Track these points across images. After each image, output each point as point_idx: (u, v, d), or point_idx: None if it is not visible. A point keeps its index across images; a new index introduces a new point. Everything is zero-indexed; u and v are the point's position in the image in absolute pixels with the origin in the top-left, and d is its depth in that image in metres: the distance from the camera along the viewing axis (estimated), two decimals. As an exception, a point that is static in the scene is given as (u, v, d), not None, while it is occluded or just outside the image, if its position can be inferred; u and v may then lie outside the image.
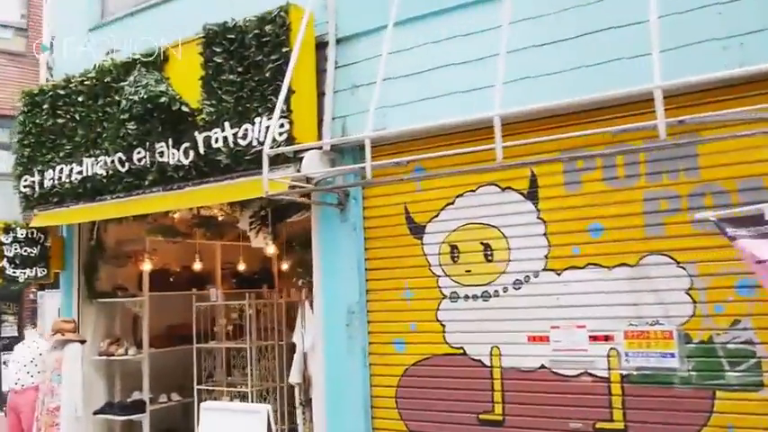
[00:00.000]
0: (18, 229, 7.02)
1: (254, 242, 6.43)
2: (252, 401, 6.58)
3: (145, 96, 5.61)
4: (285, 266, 8.91)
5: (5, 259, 6.90)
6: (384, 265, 5.35)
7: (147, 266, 7.25)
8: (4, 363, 14.77)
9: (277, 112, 4.90)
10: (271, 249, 6.63)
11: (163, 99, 5.65)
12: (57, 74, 7.49)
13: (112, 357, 7.21)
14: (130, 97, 5.68)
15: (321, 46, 5.62)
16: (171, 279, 7.92)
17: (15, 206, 15.71)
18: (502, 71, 4.00)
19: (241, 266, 8.62)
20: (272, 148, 4.84)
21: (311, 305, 5.83)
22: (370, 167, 4.31)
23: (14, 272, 6.95)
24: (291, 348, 6.54)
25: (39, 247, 7.15)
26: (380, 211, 5.40)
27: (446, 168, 4.83)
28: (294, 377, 6.02)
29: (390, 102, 5.21)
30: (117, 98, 6.31)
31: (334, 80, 5.53)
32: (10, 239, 6.95)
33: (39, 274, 7.13)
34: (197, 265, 8.08)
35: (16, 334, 15.64)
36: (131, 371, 7.60)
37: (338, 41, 5.61)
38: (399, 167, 4.92)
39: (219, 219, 7.20)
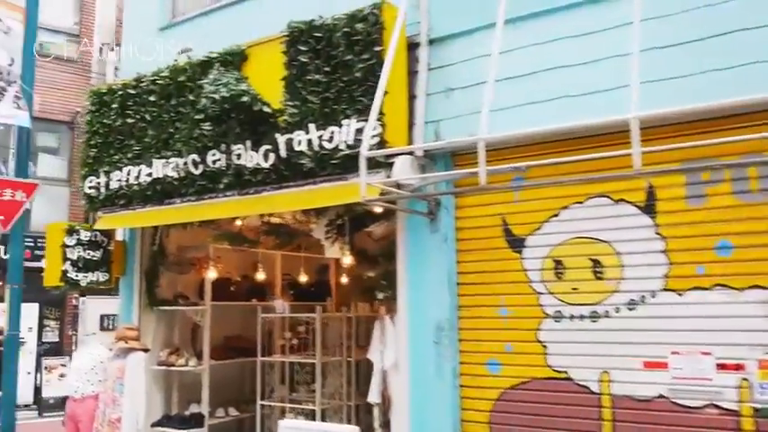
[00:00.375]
0: (82, 231, 6.80)
1: (329, 252, 6.13)
2: (319, 420, 6.24)
3: (226, 95, 5.36)
4: (345, 279, 8.67)
5: (68, 262, 6.67)
6: (478, 279, 4.99)
7: (211, 274, 6.97)
8: (46, 368, 14.73)
9: (374, 114, 4.59)
10: (347, 260, 6.31)
11: (244, 98, 5.39)
12: (125, 74, 7.29)
13: (172, 368, 6.92)
14: (211, 95, 5.42)
15: (411, 47, 5.32)
16: (232, 288, 7.61)
17: (63, 210, 15.67)
18: (636, 70, 3.65)
19: (303, 278, 8.31)
20: (370, 150, 4.53)
21: (391, 320, 5.50)
22: (485, 173, 3.96)
23: (77, 275, 6.71)
24: (364, 366, 6.22)
25: (101, 250, 6.92)
26: (474, 222, 5.06)
27: (549, 178, 4.49)
28: (373, 396, 5.66)
29: (491, 105, 4.88)
30: (191, 98, 6.10)
31: (426, 83, 5.23)
32: (73, 242, 6.73)
33: (100, 279, 6.89)
34: (260, 275, 7.79)
35: (58, 339, 15.55)
36: (188, 382, 7.31)
37: (430, 42, 5.31)
38: (498, 175, 4.59)
39: (291, 227, 6.90)
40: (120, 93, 6.75)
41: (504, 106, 4.79)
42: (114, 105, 6.76)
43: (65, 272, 6.66)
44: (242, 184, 5.72)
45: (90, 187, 6.87)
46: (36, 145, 15.93)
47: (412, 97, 5.27)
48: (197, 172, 5.97)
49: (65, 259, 6.67)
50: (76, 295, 15.61)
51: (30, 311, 15.02)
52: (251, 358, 7.51)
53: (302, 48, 5.44)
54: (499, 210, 4.94)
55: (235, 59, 5.88)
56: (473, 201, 5.05)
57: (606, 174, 4.20)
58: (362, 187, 4.41)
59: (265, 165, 5.53)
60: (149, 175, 6.34)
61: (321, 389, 6.39)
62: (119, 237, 7.21)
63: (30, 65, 6.77)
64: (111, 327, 16.76)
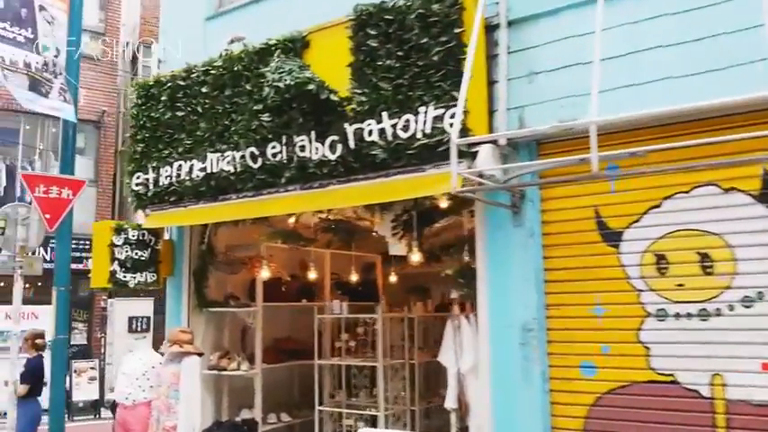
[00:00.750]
0: (130, 230, 6.51)
1: (393, 249, 5.81)
2: (383, 426, 5.92)
3: (291, 83, 5.04)
4: (393, 278, 8.35)
5: (116, 262, 6.38)
6: (568, 276, 4.65)
7: (265, 274, 6.65)
8: (75, 371, 14.45)
9: (462, 99, 4.27)
10: (416, 257, 5.98)
11: (310, 86, 5.07)
12: (169, 66, 6.99)
13: (224, 372, 6.61)
14: (274, 84, 5.11)
15: (488, 29, 4.99)
16: (283, 288, 7.29)
17: (90, 211, 15.38)
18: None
19: (353, 277, 7.99)
20: (461, 137, 4.20)
21: (468, 320, 5.18)
22: (597, 158, 3.63)
23: (125, 276, 6.43)
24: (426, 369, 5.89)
25: (149, 250, 6.63)
26: (563, 214, 4.72)
27: (650, 166, 4.15)
28: (450, 402, 5.32)
29: (578, 90, 4.55)
30: (248, 87, 5.80)
31: (507, 67, 4.89)
32: (121, 241, 6.44)
33: (149, 280, 6.60)
34: (312, 275, 7.48)
35: (86, 342, 15.30)
36: (238, 387, 7.02)
37: (509, 24, 4.97)
38: (583, 165, 4.24)
39: (351, 223, 6.58)
40: (168, 85, 6.46)
41: (600, 89, 4.45)
42: (163, 98, 6.47)
43: (113, 272, 6.38)
44: (305, 177, 5.40)
45: (137, 184, 6.58)
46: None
47: (491, 83, 4.94)
48: (256, 166, 5.66)
49: (113, 259, 6.39)
50: (105, 297, 15.38)
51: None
52: (304, 361, 7.22)
53: (371, 32, 5.12)
54: (591, 201, 4.60)
55: (296, 46, 5.58)
56: (561, 192, 4.71)
57: (724, 160, 3.86)
58: (454, 177, 4.10)
59: (332, 157, 5.22)
60: (203, 169, 6.04)
61: (384, 393, 6.04)
62: (166, 236, 6.91)
63: (74, 57, 6.48)
64: (139, 329, 16.51)
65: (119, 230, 6.46)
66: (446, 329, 5.47)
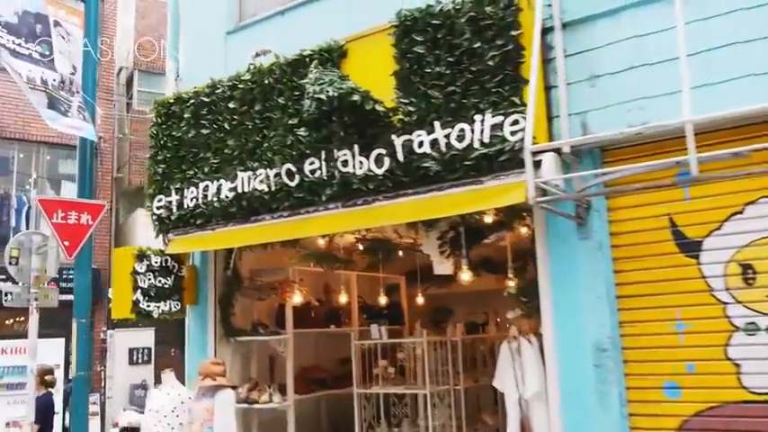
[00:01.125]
0: (152, 256, 6.12)
1: (439, 268, 5.47)
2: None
3: (334, 94, 4.72)
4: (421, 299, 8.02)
5: (139, 291, 5.98)
6: (643, 290, 4.34)
7: (297, 299, 6.28)
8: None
9: (531, 104, 3.99)
10: (466, 276, 5.64)
11: (354, 97, 4.75)
12: (189, 83, 6.67)
13: (255, 405, 6.20)
14: (316, 96, 4.79)
15: (541, 32, 4.72)
16: (312, 314, 6.92)
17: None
18: None
19: (382, 299, 7.63)
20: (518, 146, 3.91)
21: (529, 341, 4.85)
22: (696, 161, 3.35)
23: (148, 305, 6.02)
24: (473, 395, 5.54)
25: (173, 277, 6.24)
26: (633, 225, 4.42)
27: (728, 171, 3.87)
28: (512, 430, 4.96)
29: (646, 92, 4.30)
30: (281, 101, 5.49)
31: (565, 70, 4.63)
32: (144, 268, 6.05)
33: (173, 309, 6.20)
34: (342, 298, 7.11)
35: (85, 377, 14.69)
36: (266, 420, 6.62)
37: (564, 26, 4.72)
38: (656, 172, 3.97)
39: (391, 242, 6.24)
40: (192, 102, 6.13)
41: (670, 91, 4.20)
42: (186, 115, 6.14)
43: (136, 302, 5.98)
44: (348, 194, 5.08)
45: (159, 207, 6.21)
46: (58, 172, 15.29)
47: (546, 88, 4.67)
48: (293, 183, 5.33)
49: (135, 288, 5.99)
50: (104, 328, 14.84)
51: (55, 347, 14.24)
52: (338, 390, 6.84)
53: (418, 38, 4.86)
54: (664, 210, 4.32)
55: (332, 56, 5.30)
56: (629, 201, 4.42)
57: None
58: (530, 187, 3.79)
59: (379, 171, 4.91)
60: (232, 189, 5.70)
61: (432, 422, 5.67)
62: (193, 261, 6.54)
63: (92, 73, 6.14)
64: (139, 361, 15.98)
65: (141, 257, 6.07)
66: (501, 352, 5.13)
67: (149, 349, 15.68)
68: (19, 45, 5.65)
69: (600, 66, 4.54)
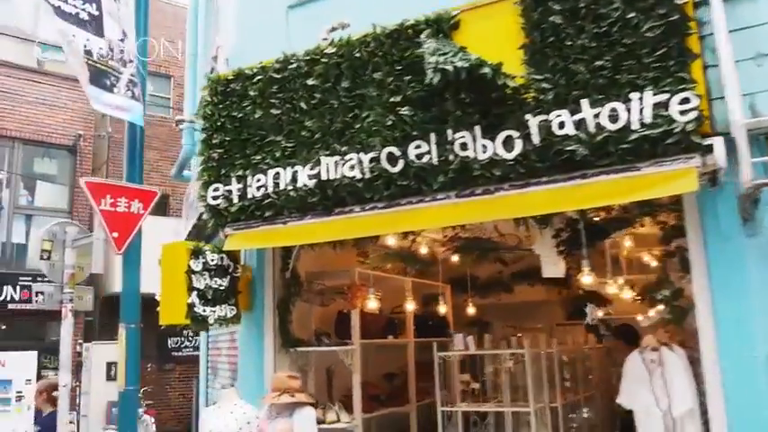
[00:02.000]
0: (208, 252, 5.32)
1: (549, 271, 4.86)
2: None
3: (464, 65, 4.09)
4: (472, 310, 7.42)
5: (195, 292, 5.17)
6: (827, 295, 3.84)
7: (372, 305, 5.57)
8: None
9: (731, 78, 3.45)
10: (588, 279, 5.03)
11: (485, 70, 4.14)
12: (243, 61, 5.92)
13: (322, 426, 5.44)
14: (441, 67, 4.15)
15: (695, 6, 4.22)
16: (382, 323, 6.21)
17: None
18: None
19: (442, 308, 6.97)
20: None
21: (676, 352, 4.28)
22: None
23: (204, 309, 5.21)
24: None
25: (228, 278, 5.45)
26: (811, 220, 3.93)
27: None
28: (657, 453, 4.37)
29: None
30: (377, 77, 4.82)
31: (728, 47, 4.11)
32: (199, 266, 5.24)
33: (228, 314, 5.39)
34: (409, 306, 6.42)
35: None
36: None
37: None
38: None
39: (490, 240, 5.60)
40: (259, 78, 5.39)
41: None
42: (251, 93, 5.39)
43: (191, 305, 5.15)
44: (466, 182, 4.44)
45: (215, 197, 5.42)
46: (34, 171, 14.12)
47: (705, 66, 4.15)
48: (394, 170, 4.65)
49: (190, 289, 5.17)
50: (80, 341, 13.65)
51: (26, 361, 12.94)
52: (397, 408, 6.15)
53: (555, 6, 4.28)
54: None
55: (442, 27, 4.67)
56: (803, 194, 3.92)
57: None
58: (745, 169, 3.24)
59: (508, 156, 4.28)
60: (314, 176, 4.97)
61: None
62: (246, 261, 5.76)
63: (143, 41, 5.35)
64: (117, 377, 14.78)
65: (196, 253, 5.26)
66: (632, 365, 4.56)
67: (129, 364, 14.54)
68: (65, 1, 4.83)
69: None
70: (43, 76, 14.08)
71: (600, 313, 4.82)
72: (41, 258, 5.13)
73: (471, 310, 7.56)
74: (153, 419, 12.45)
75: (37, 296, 5.10)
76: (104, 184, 5.01)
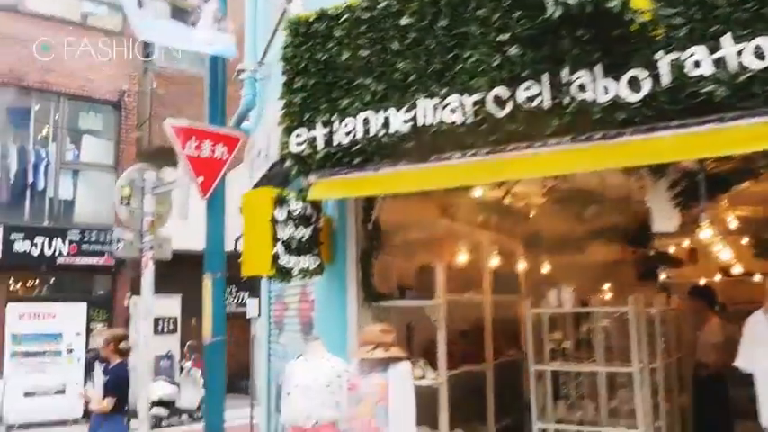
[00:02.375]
0: (292, 201, 5.09)
1: (661, 225, 4.54)
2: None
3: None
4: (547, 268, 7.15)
5: (279, 242, 4.96)
6: None
7: (462, 258, 5.31)
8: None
9: None
10: (707, 233, 4.72)
11: (612, 3, 3.79)
12: (321, 2, 5.58)
13: (409, 382, 5.24)
14: (563, 0, 3.81)
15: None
16: (459, 279, 5.95)
17: (109, 200, 13.66)
18: None
19: (520, 265, 6.71)
20: None
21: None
22: None
23: (289, 261, 5.00)
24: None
25: (311, 228, 5.22)
26: None
27: None
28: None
29: None
30: (480, 14, 4.47)
31: None
32: (284, 215, 5.02)
33: (311, 266, 5.19)
34: (492, 261, 6.16)
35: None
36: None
37: None
38: None
39: (593, 192, 5.29)
40: (344, 18, 5.08)
41: None
42: (337, 34, 5.08)
43: (275, 256, 4.95)
44: (583, 126, 4.12)
45: (299, 143, 5.16)
46: (79, 127, 13.99)
47: None
48: (501, 114, 4.34)
49: (275, 239, 4.95)
50: (129, 294, 13.68)
51: (76, 313, 13.08)
52: (474, 366, 5.95)
53: (690, -69, 3.88)
54: None
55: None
56: None
57: None
58: None
59: (632, 98, 3.95)
60: (409, 120, 4.68)
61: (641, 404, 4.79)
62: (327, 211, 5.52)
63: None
64: (165, 330, 14.84)
65: (281, 201, 5.04)
66: (752, 325, 4.26)
67: (175, 319, 14.61)
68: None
69: None
70: (88, 31, 13.85)
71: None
72: (121, 203, 4.93)
73: (543, 269, 7.27)
74: (201, 372, 12.49)
75: (117, 243, 4.89)
76: (188, 128, 4.76)
